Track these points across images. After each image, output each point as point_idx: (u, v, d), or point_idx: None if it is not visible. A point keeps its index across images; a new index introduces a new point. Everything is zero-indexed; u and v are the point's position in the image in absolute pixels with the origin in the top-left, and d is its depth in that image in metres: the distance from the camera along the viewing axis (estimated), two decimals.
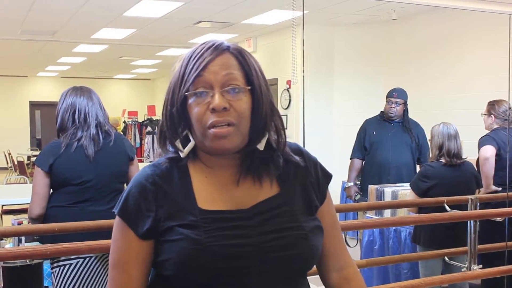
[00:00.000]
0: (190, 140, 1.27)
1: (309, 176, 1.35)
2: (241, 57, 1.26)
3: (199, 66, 1.22)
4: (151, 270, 1.30)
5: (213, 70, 1.22)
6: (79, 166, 2.88)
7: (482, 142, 4.34)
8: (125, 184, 3.05)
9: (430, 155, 4.00)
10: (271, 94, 1.30)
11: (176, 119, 1.26)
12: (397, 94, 5.02)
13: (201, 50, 1.25)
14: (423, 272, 3.87)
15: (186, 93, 1.23)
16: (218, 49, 1.24)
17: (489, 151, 4.24)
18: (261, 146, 1.27)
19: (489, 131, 4.58)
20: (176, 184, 1.27)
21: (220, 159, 1.27)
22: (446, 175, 3.85)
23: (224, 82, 1.21)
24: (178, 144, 1.27)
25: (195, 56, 1.24)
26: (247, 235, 1.22)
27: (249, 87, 1.24)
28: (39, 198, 2.87)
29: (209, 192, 1.27)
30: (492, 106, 4.59)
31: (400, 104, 5.02)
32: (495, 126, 4.54)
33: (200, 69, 1.22)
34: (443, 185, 3.82)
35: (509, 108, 4.53)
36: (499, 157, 4.38)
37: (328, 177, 1.40)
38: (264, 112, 1.25)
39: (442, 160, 3.89)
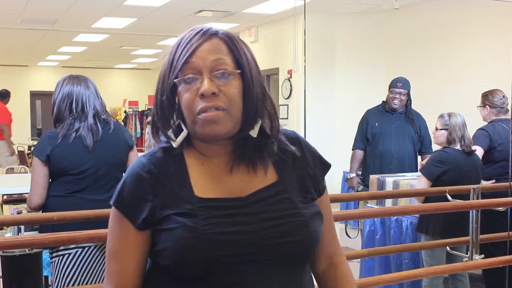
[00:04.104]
0: (182, 129, 1.25)
1: (307, 167, 1.33)
2: (230, 42, 1.24)
3: (187, 52, 1.21)
4: (148, 260, 1.29)
5: (201, 56, 1.20)
6: (77, 156, 2.86)
7: (473, 140, 4.32)
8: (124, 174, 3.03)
9: (446, 144, 3.97)
10: (262, 79, 1.29)
11: (166, 108, 1.24)
12: (401, 84, 4.97)
13: (189, 36, 1.23)
14: (429, 262, 3.85)
15: (175, 80, 1.21)
16: (206, 34, 1.23)
17: (477, 152, 4.24)
18: (254, 133, 1.25)
19: (486, 122, 4.56)
20: (172, 172, 1.25)
21: (214, 146, 1.25)
22: (460, 160, 3.87)
23: (212, 67, 1.20)
24: (170, 134, 1.25)
25: (183, 43, 1.23)
26: (246, 222, 1.20)
27: (239, 71, 1.22)
28: (38, 188, 2.86)
29: (206, 180, 1.25)
30: (486, 97, 4.57)
31: (404, 94, 4.99)
32: (493, 117, 4.52)
33: (188, 55, 1.20)
34: (457, 170, 3.83)
35: (503, 97, 4.51)
36: (494, 150, 4.37)
37: (326, 167, 1.39)
38: (255, 96, 1.24)
39: (454, 146, 3.89)
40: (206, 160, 1.27)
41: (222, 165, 1.26)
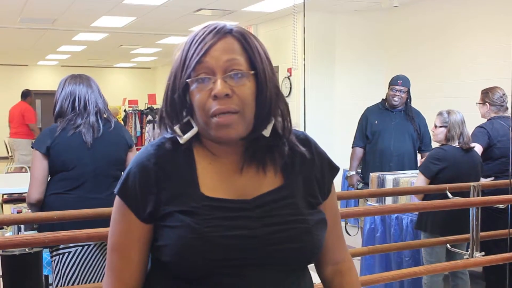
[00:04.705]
0: (191, 126, 1.23)
1: (315, 169, 1.31)
2: (244, 41, 1.22)
3: (201, 51, 1.18)
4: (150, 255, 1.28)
5: (214, 55, 1.18)
6: (76, 150, 2.87)
7: (472, 137, 4.31)
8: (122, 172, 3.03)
9: (444, 142, 3.96)
10: (276, 78, 1.26)
11: (177, 106, 1.22)
12: (401, 82, 4.97)
13: (203, 34, 1.21)
14: (428, 259, 3.85)
15: (187, 80, 1.19)
16: (220, 33, 1.20)
17: (476, 149, 4.23)
18: (266, 132, 1.23)
19: (485, 120, 4.55)
20: (180, 166, 1.23)
21: (224, 146, 1.24)
22: (457, 158, 3.87)
23: (226, 67, 1.18)
24: (177, 129, 1.23)
25: (197, 41, 1.20)
26: (249, 226, 1.19)
27: (253, 72, 1.20)
28: (37, 182, 2.85)
29: (213, 179, 1.23)
30: (486, 94, 4.56)
31: (404, 92, 4.98)
32: (492, 115, 4.51)
33: (201, 54, 1.18)
34: (454, 168, 3.84)
35: (503, 95, 4.50)
36: (493, 147, 4.37)
37: (334, 170, 1.37)
38: (268, 97, 1.21)
39: (452, 143, 3.89)
40: (214, 159, 1.25)
41: (230, 165, 1.25)
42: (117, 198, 1.25)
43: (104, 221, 2.18)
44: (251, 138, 1.23)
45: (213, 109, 1.17)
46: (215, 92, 1.16)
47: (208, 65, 1.18)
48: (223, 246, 1.16)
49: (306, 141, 1.33)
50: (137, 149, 3.15)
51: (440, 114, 4.00)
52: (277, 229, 1.20)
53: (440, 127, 3.96)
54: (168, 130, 1.25)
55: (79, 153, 2.87)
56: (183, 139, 1.23)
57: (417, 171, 4.34)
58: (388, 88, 5.05)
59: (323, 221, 1.28)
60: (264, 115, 1.22)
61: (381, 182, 4.58)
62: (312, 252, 1.24)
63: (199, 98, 1.18)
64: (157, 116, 1.29)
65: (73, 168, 2.87)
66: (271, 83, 1.23)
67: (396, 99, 4.97)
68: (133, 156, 3.08)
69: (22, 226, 3.62)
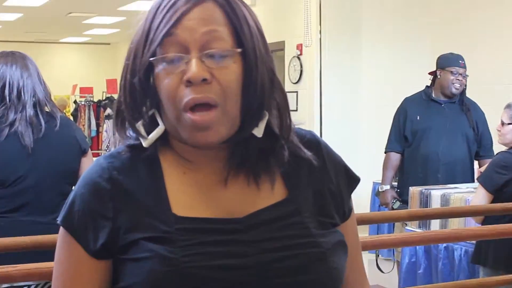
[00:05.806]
0: (157, 123, 1.24)
1: (327, 180, 1.33)
2: (229, 7, 1.22)
3: (170, 20, 1.19)
4: None
5: (188, 26, 1.18)
6: (12, 159, 2.86)
7: None
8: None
9: None
10: (271, 59, 1.27)
11: (138, 93, 1.23)
12: (463, 63, 4.98)
13: None
14: None
15: (151, 59, 1.20)
16: None
17: None
18: (258, 132, 1.24)
19: None
20: (143, 181, 1.24)
21: (202, 150, 1.24)
22: None
23: (204, 43, 1.18)
24: (140, 127, 1.24)
25: (165, 6, 1.21)
26: (242, 253, 1.19)
27: (240, 50, 1.20)
28: None
29: (188, 194, 1.24)
30: None
31: (465, 76, 4.99)
32: None
33: (171, 24, 1.18)
34: None
35: None
36: None
37: (354, 181, 1.39)
38: (260, 84, 1.22)
39: None
40: (189, 167, 1.26)
41: (212, 175, 1.26)
42: (61, 229, 1.26)
43: (48, 253, 2.17)
44: (238, 140, 1.23)
45: (185, 99, 1.17)
46: (188, 76, 1.16)
47: (180, 39, 1.18)
48: (207, 280, 1.16)
49: (314, 143, 1.35)
50: (94, 155, 3.16)
51: (508, 107, 4.00)
52: (279, 256, 1.20)
53: (509, 124, 3.96)
54: (128, 128, 1.26)
55: (17, 161, 2.87)
56: (147, 141, 1.24)
57: (475, 184, 4.34)
58: (442, 70, 5.03)
59: (342, 244, 1.29)
60: (254, 108, 1.22)
61: (425, 200, 4.59)
62: (327, 285, 1.24)
63: (167, 84, 1.19)
64: (113, 109, 1.29)
65: (10, 183, 2.86)
66: (263, 65, 1.23)
67: (457, 85, 4.98)
68: (89, 163, 3.08)
69: None
